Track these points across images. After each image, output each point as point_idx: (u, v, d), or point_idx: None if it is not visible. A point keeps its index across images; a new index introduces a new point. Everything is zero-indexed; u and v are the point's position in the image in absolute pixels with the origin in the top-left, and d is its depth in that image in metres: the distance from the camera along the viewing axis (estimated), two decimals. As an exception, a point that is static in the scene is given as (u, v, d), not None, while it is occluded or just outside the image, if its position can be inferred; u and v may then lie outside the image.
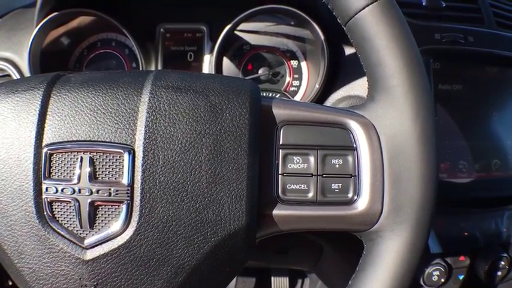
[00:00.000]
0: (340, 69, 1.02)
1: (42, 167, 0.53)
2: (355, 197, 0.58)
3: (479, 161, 1.03)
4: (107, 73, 0.60)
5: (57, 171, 0.54)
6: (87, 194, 0.53)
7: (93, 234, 0.54)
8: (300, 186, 0.58)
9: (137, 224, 0.53)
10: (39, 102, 0.54)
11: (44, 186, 0.53)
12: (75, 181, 0.53)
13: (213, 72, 1.02)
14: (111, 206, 0.53)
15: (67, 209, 0.54)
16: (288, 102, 0.61)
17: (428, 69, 0.98)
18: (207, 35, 1.07)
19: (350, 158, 0.58)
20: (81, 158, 0.53)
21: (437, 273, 0.94)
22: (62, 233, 0.54)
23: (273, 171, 0.58)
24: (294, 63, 1.10)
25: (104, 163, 0.53)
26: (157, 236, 0.53)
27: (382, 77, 0.57)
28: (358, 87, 0.98)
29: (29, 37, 0.99)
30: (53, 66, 1.01)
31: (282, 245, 1.23)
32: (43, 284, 0.54)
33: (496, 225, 1.01)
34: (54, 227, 0.54)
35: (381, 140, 0.57)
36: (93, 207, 0.53)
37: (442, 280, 0.95)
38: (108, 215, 0.54)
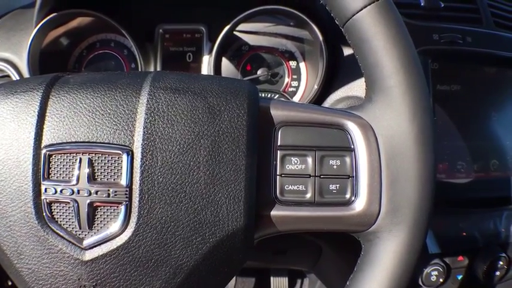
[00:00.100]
0: (339, 70, 1.02)
1: (41, 168, 0.53)
2: (353, 198, 0.58)
3: (478, 161, 1.03)
4: (105, 74, 0.60)
5: (56, 172, 0.54)
6: (86, 195, 0.53)
7: (92, 235, 0.54)
8: (297, 187, 0.58)
9: (136, 224, 0.53)
10: (38, 104, 0.54)
11: (43, 187, 0.53)
12: (74, 182, 0.53)
13: (212, 73, 1.02)
14: (110, 207, 0.53)
15: (66, 210, 0.54)
16: (286, 104, 0.61)
17: (427, 70, 0.98)
18: (206, 36, 1.07)
19: (348, 159, 0.58)
20: (80, 159, 0.53)
21: (435, 273, 0.94)
22: (61, 233, 0.54)
23: (271, 172, 0.58)
24: (292, 63, 1.10)
25: (103, 164, 0.54)
26: (156, 236, 0.53)
27: (380, 78, 0.57)
28: (357, 87, 0.98)
29: (28, 38, 0.99)
30: (52, 67, 1.01)
31: (280, 245, 1.23)
32: (42, 285, 0.55)
33: (495, 225, 1.01)
34: (53, 227, 0.54)
35: (378, 141, 0.57)
36: (92, 208, 0.53)
37: (441, 280, 0.95)
38: (107, 215, 0.54)
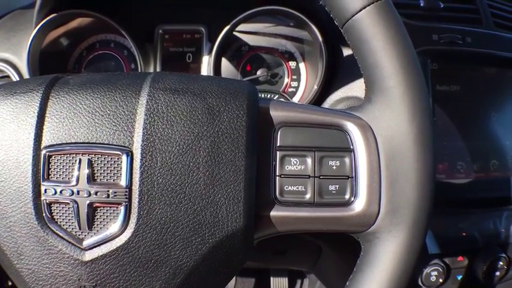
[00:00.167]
0: (339, 71, 1.02)
1: (41, 168, 0.54)
2: (352, 199, 0.58)
3: (478, 162, 1.03)
4: (105, 75, 0.60)
5: (55, 173, 0.54)
6: (85, 195, 0.53)
7: (91, 236, 0.54)
8: (297, 188, 0.58)
9: (135, 225, 0.53)
10: (38, 104, 0.54)
11: (42, 188, 0.53)
12: (74, 183, 0.53)
13: (212, 73, 1.02)
14: (110, 207, 0.54)
15: (66, 211, 0.54)
16: (286, 104, 0.61)
17: (426, 70, 0.98)
18: (206, 36, 1.07)
19: (347, 160, 0.58)
20: (80, 159, 0.53)
21: (435, 273, 0.94)
22: (61, 234, 0.54)
23: (270, 173, 0.58)
24: (292, 64, 1.10)
25: (102, 165, 0.54)
26: (156, 237, 0.53)
27: (379, 79, 0.57)
28: (357, 88, 0.98)
29: (28, 38, 0.99)
30: (52, 67, 1.01)
31: (280, 245, 1.23)
32: (42, 285, 0.55)
33: (495, 226, 1.01)
34: (53, 228, 0.54)
35: (377, 142, 0.57)
36: (92, 209, 0.54)
37: (441, 280, 0.95)
38: (107, 216, 0.54)
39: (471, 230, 0.99)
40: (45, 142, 0.54)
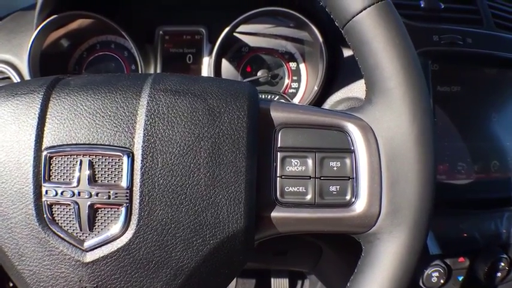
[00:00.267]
0: (339, 71, 1.02)
1: (42, 170, 0.54)
2: (353, 200, 0.58)
3: (478, 162, 1.03)
4: (105, 76, 0.60)
5: (56, 174, 0.54)
6: (86, 196, 0.53)
7: (92, 237, 0.54)
8: (298, 189, 0.58)
9: (136, 226, 0.53)
10: (39, 106, 0.55)
11: (43, 189, 0.53)
12: (75, 184, 0.53)
13: (212, 75, 1.02)
14: (111, 208, 0.54)
15: (67, 212, 0.54)
16: (286, 105, 0.61)
17: (427, 71, 0.98)
18: (206, 37, 1.07)
19: (348, 161, 0.58)
20: (81, 161, 0.53)
21: (436, 274, 0.94)
22: (62, 235, 0.54)
23: (271, 174, 0.58)
24: (292, 65, 1.10)
25: (103, 166, 0.54)
26: (157, 238, 0.53)
27: (380, 80, 0.57)
28: (357, 89, 0.98)
29: (29, 39, 0.99)
30: (53, 69, 1.01)
31: (281, 246, 1.23)
32: (43, 286, 0.55)
33: (496, 226, 1.01)
34: (54, 229, 0.54)
35: (378, 143, 0.57)
36: (93, 210, 0.54)
37: (442, 281, 0.95)
38: (108, 217, 0.54)
39: (472, 230, 0.99)
40: (46, 143, 0.54)
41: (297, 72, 1.10)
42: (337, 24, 0.60)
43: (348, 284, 0.60)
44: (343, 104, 0.98)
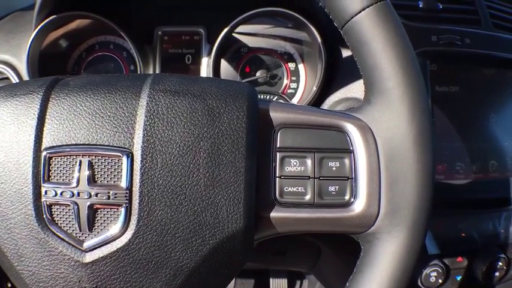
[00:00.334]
0: (338, 72, 1.02)
1: (41, 170, 0.54)
2: (352, 200, 0.58)
3: (477, 163, 1.03)
4: (105, 77, 0.60)
5: (56, 174, 0.54)
6: (86, 197, 0.53)
7: (92, 237, 0.54)
8: (297, 189, 0.58)
9: (136, 226, 0.53)
10: (38, 106, 0.55)
11: (43, 190, 0.53)
12: (74, 184, 0.53)
13: (211, 75, 1.02)
14: (110, 209, 0.54)
15: (66, 212, 0.54)
16: (285, 106, 0.61)
17: (425, 71, 0.98)
18: (205, 38, 1.07)
19: (347, 161, 0.58)
20: (80, 161, 0.54)
21: (435, 274, 0.95)
22: (61, 236, 0.54)
23: (270, 174, 0.58)
24: (291, 65, 1.10)
25: (103, 166, 0.54)
26: (156, 238, 0.53)
27: (379, 80, 0.57)
28: (356, 89, 0.98)
29: (28, 40, 0.99)
30: (52, 69, 1.01)
31: (280, 246, 1.23)
32: (43, 287, 0.55)
33: (494, 226, 1.01)
34: (53, 230, 0.54)
35: (377, 143, 0.57)
36: (92, 210, 0.54)
37: (440, 281, 0.95)
38: (107, 218, 0.54)
39: (470, 230, 0.99)
40: (45, 144, 0.54)
41: (295, 73, 1.10)
42: (336, 24, 0.61)
43: (347, 284, 0.60)
44: (342, 104, 0.98)
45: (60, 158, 0.54)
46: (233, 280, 1.67)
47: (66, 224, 0.54)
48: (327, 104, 1.01)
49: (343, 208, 0.58)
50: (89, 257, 0.54)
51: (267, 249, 1.23)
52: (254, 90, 0.60)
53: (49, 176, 0.54)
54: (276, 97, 1.09)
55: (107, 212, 0.54)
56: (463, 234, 0.99)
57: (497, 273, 0.99)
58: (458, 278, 0.99)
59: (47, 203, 0.54)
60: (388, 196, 0.56)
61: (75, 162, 0.54)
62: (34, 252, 0.54)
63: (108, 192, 0.53)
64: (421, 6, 1.04)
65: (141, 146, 0.53)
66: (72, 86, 0.57)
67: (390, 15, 0.57)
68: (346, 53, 1.02)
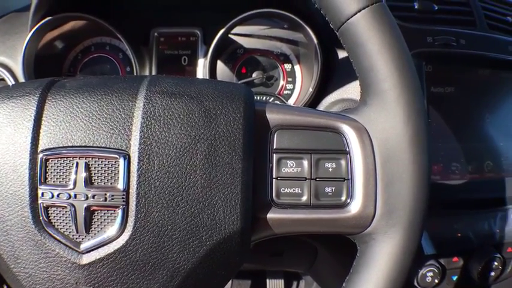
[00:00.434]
0: (334, 73, 1.02)
1: (38, 172, 0.54)
2: (349, 200, 0.58)
3: (472, 163, 1.03)
4: (101, 78, 0.60)
5: (52, 176, 0.54)
6: (82, 199, 0.53)
7: (89, 239, 0.54)
8: (293, 190, 0.58)
9: (133, 228, 0.53)
10: (35, 108, 0.54)
11: (39, 192, 0.53)
12: (71, 186, 0.53)
13: (207, 76, 1.02)
14: (107, 210, 0.54)
15: (63, 214, 0.54)
16: (282, 107, 0.62)
17: (421, 72, 0.98)
18: (201, 39, 1.07)
19: (343, 162, 0.58)
20: (77, 163, 0.53)
21: (431, 274, 0.95)
22: (58, 237, 0.54)
23: (267, 175, 0.58)
24: (287, 66, 1.10)
25: (100, 168, 0.54)
26: (153, 240, 0.53)
27: (374, 82, 0.57)
28: (352, 90, 0.99)
29: (23, 41, 0.99)
30: (47, 71, 1.01)
31: (276, 247, 1.23)
32: None
33: (489, 226, 1.02)
34: (50, 232, 0.54)
35: (373, 144, 0.57)
36: (89, 212, 0.54)
37: (436, 281, 0.96)
38: (104, 219, 0.54)
39: (466, 230, 0.99)
40: (42, 146, 0.54)
41: (291, 74, 1.10)
42: (332, 26, 0.61)
43: (344, 284, 0.60)
44: (338, 105, 0.98)
45: (56, 160, 0.54)
46: (230, 281, 1.68)
47: (63, 226, 0.54)
48: (323, 105, 1.01)
49: (340, 209, 0.58)
50: (86, 259, 0.54)
51: (264, 250, 1.23)
52: (250, 91, 0.60)
53: (46, 178, 0.54)
54: (272, 98, 1.09)
55: (104, 213, 0.54)
56: (459, 234, 0.99)
57: (492, 273, 0.99)
58: (454, 278, 0.99)
59: (44, 205, 0.53)
60: (384, 197, 0.57)
61: (72, 164, 0.54)
62: (31, 254, 0.54)
63: (105, 194, 0.53)
64: (416, 7, 1.04)
65: (138, 148, 0.53)
66: (68, 87, 0.57)
67: (386, 16, 0.57)
68: (342, 54, 1.02)
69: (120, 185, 0.53)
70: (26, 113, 0.54)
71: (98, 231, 0.54)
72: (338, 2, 0.58)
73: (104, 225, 0.54)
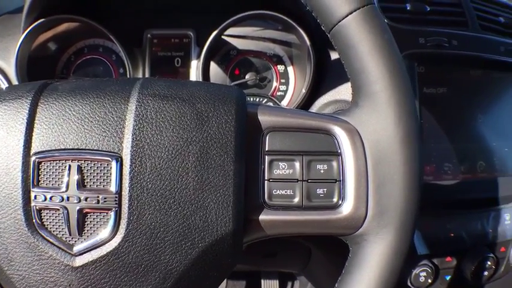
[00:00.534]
0: (326, 74, 1.02)
1: (31, 175, 0.54)
2: (340, 202, 0.58)
3: (465, 163, 1.03)
4: (94, 81, 0.60)
5: (45, 179, 0.54)
6: (75, 201, 0.53)
7: (82, 242, 0.54)
8: (285, 192, 0.58)
9: (125, 230, 0.53)
10: (27, 111, 0.54)
11: (32, 194, 0.53)
12: (64, 189, 0.53)
13: (200, 78, 1.02)
14: (100, 213, 0.54)
15: (56, 217, 0.54)
16: (274, 109, 0.62)
17: (413, 73, 0.98)
18: (194, 41, 1.07)
19: (335, 164, 0.59)
20: (69, 166, 0.54)
21: (424, 274, 0.95)
22: (51, 240, 0.54)
23: (259, 177, 0.58)
24: (280, 68, 1.11)
25: (92, 171, 0.54)
26: (146, 242, 0.53)
27: (366, 84, 0.58)
28: (345, 91, 0.99)
29: (16, 43, 0.99)
30: (40, 73, 1.01)
31: (271, 248, 1.24)
32: None
33: (482, 226, 1.02)
34: (43, 234, 0.54)
35: (364, 145, 0.58)
36: (82, 215, 0.54)
37: (429, 281, 0.96)
38: (97, 222, 0.54)
39: (459, 230, 1.00)
40: (34, 148, 0.54)
41: (285, 75, 1.11)
42: (323, 28, 0.61)
43: (336, 285, 0.60)
44: (331, 107, 0.98)
45: (49, 162, 0.54)
46: (224, 282, 1.68)
47: (56, 229, 0.54)
48: (316, 106, 1.01)
49: (331, 210, 0.58)
50: (79, 261, 0.54)
51: (258, 251, 1.23)
52: (243, 93, 0.60)
53: (38, 181, 0.54)
54: (266, 99, 1.09)
55: (97, 216, 0.54)
56: (452, 234, 0.99)
57: (486, 273, 1.00)
58: (448, 278, 0.99)
59: (37, 207, 0.53)
60: (375, 198, 0.57)
61: (65, 167, 0.54)
62: (24, 256, 0.54)
63: (98, 197, 0.53)
64: (408, 8, 1.04)
65: (130, 150, 0.53)
66: (61, 90, 0.57)
67: (377, 18, 0.58)
68: (334, 55, 1.02)
69: (113, 188, 0.53)
70: (19, 116, 0.54)
71: (91, 234, 0.54)
72: (329, 4, 0.58)
73: (97, 228, 0.54)
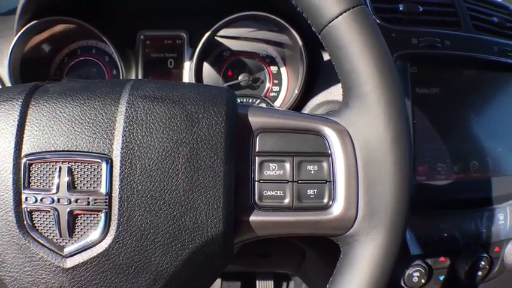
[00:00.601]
0: (319, 75, 1.02)
1: (22, 177, 0.54)
2: (331, 203, 0.58)
3: (458, 163, 1.03)
4: (84, 83, 0.60)
5: (36, 181, 0.54)
6: (66, 203, 0.53)
7: (72, 243, 0.54)
8: (276, 193, 0.58)
9: (116, 232, 0.53)
10: (18, 113, 0.54)
11: (23, 196, 0.53)
12: (54, 191, 0.53)
13: (193, 79, 1.02)
14: (90, 214, 0.54)
15: (46, 218, 0.54)
16: (264, 110, 0.62)
17: (406, 74, 0.98)
18: (187, 42, 1.08)
19: (325, 164, 0.59)
20: (60, 167, 0.54)
21: (417, 274, 0.95)
22: (42, 241, 0.54)
23: (249, 178, 0.58)
24: (273, 69, 1.11)
25: (82, 172, 0.54)
26: (136, 243, 0.53)
27: (356, 84, 0.58)
28: (337, 92, 0.99)
29: (9, 45, 0.99)
30: (34, 74, 1.01)
31: (265, 249, 1.24)
32: None
33: (476, 226, 1.02)
34: (34, 236, 0.54)
35: (355, 146, 0.58)
36: (72, 216, 0.54)
37: (423, 281, 0.96)
38: (87, 223, 0.54)
39: (452, 230, 1.00)
40: (25, 150, 0.54)
41: (277, 76, 1.11)
42: (314, 29, 0.61)
43: (328, 286, 0.61)
44: (324, 107, 0.98)
45: (40, 164, 0.54)
46: (219, 282, 1.68)
47: (47, 230, 0.54)
48: (309, 106, 1.01)
49: (322, 211, 0.58)
50: (70, 263, 0.54)
51: (252, 251, 1.23)
52: (233, 94, 0.60)
53: (29, 183, 0.54)
54: (259, 100, 1.09)
55: (87, 217, 0.54)
56: (445, 234, 0.99)
57: (479, 273, 1.00)
58: (441, 278, 0.99)
59: (28, 209, 0.53)
60: (366, 199, 0.57)
61: (55, 169, 0.54)
62: (15, 258, 0.54)
63: (88, 198, 0.53)
64: (401, 9, 1.04)
65: (120, 152, 0.53)
66: (51, 92, 0.57)
67: (367, 19, 0.58)
68: (327, 56, 1.02)
69: (103, 189, 0.53)
70: (10, 118, 0.54)
71: (81, 235, 0.54)
72: (319, 5, 0.58)
73: (87, 229, 0.54)
